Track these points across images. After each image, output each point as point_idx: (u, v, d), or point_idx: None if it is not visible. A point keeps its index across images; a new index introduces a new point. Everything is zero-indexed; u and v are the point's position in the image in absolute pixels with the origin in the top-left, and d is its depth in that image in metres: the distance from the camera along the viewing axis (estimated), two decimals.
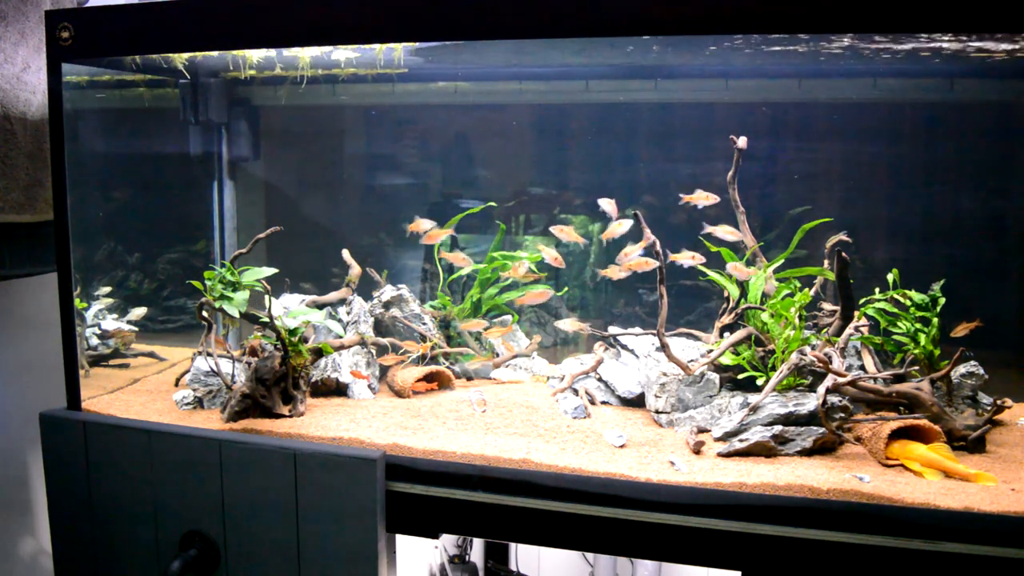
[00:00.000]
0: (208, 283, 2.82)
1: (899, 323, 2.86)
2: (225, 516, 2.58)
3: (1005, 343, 3.00)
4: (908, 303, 2.86)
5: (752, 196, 3.03)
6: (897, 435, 2.46)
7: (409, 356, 3.15)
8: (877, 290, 2.92)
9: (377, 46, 2.99)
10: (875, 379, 2.67)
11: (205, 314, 2.95)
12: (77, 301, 2.92)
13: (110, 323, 3.41)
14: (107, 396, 3.06)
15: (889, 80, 3.24)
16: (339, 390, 3.06)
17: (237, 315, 2.75)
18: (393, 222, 3.88)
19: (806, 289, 2.82)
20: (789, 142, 3.34)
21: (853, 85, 3.29)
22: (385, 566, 2.47)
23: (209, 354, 3.00)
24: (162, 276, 3.76)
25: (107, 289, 3.45)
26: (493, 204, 3.45)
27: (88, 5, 3.49)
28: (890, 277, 2.91)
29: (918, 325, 2.83)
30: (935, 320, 2.83)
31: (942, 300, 2.84)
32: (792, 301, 2.75)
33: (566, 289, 3.52)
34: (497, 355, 3.31)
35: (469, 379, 3.28)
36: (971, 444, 2.52)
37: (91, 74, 3.18)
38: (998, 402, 2.66)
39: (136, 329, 3.46)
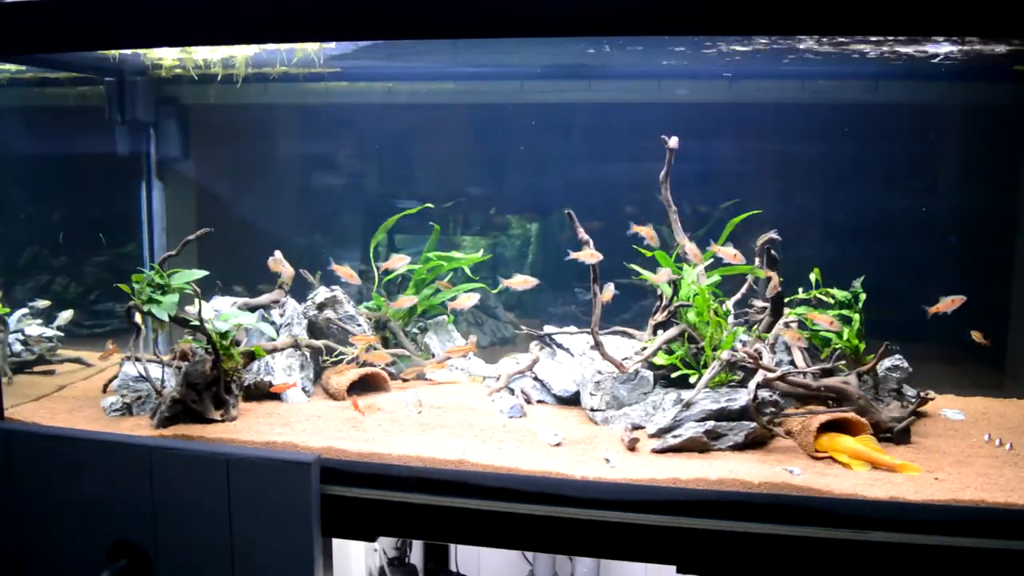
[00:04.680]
0: (136, 286, 2.76)
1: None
2: (156, 525, 2.52)
3: (928, 337, 3.09)
4: (831, 301, 2.92)
5: (685, 195, 3.06)
6: (826, 428, 2.51)
7: (348, 356, 3.12)
8: (800, 290, 2.98)
9: (310, 45, 2.96)
10: (804, 374, 2.73)
11: (138, 320, 2.88)
12: None
13: (34, 329, 3.31)
14: (31, 404, 2.97)
15: (819, 82, 3.32)
16: (273, 394, 3.02)
17: (166, 318, 2.70)
18: (327, 222, 3.84)
19: (714, 278, 2.86)
20: (723, 142, 3.40)
21: (784, 86, 3.37)
22: (321, 570, 2.44)
23: (138, 359, 2.93)
24: (89, 280, 3.67)
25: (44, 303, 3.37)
26: (430, 205, 3.44)
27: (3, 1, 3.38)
28: (812, 277, 2.97)
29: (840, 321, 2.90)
30: (857, 316, 2.90)
31: (863, 296, 2.91)
32: (709, 299, 2.79)
33: (502, 287, 3.51)
34: (433, 356, 3.30)
35: (404, 380, 3.25)
36: (896, 436, 2.59)
37: (12, 72, 3.09)
38: (922, 394, 2.73)
39: (59, 333, 3.37)
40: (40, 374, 3.31)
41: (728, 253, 2.76)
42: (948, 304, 2.70)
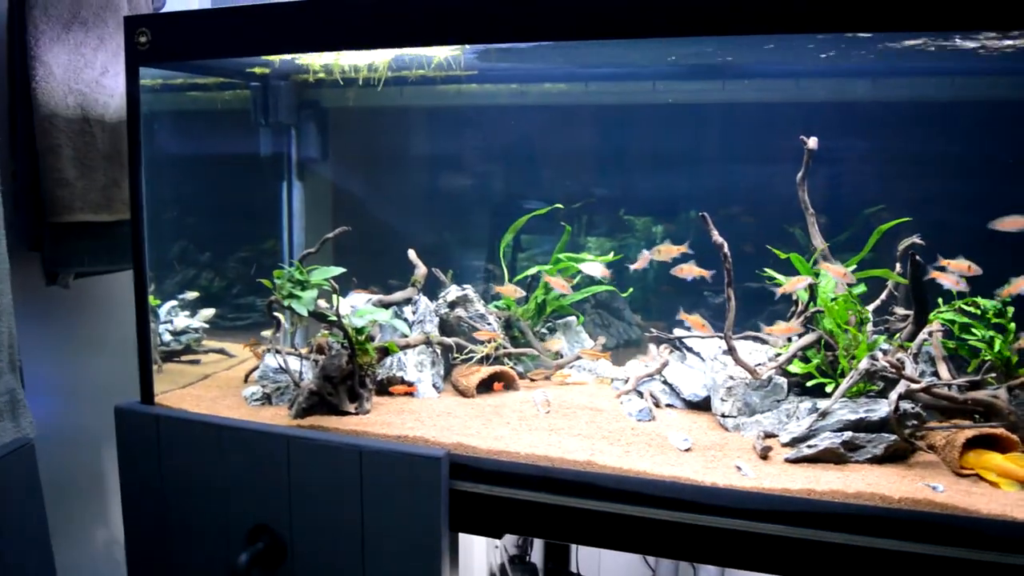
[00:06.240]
0: (277, 281, 2.88)
1: (973, 329, 2.78)
2: (292, 511, 2.62)
3: None
4: (978, 312, 2.77)
5: (821, 197, 2.97)
6: (972, 444, 2.39)
7: (478, 354, 3.16)
8: (941, 300, 2.84)
9: (450, 48, 3.01)
10: (950, 386, 2.60)
11: (278, 314, 3.00)
12: (151, 298, 2.99)
13: (182, 320, 3.49)
14: (179, 391, 3.14)
15: (967, 78, 3.16)
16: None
17: (305, 313, 2.80)
18: (456, 222, 3.90)
19: (851, 289, 2.76)
20: (860, 141, 3.28)
21: (930, 83, 3.22)
22: (448, 564, 2.49)
23: (278, 351, 3.05)
24: (232, 275, 3.83)
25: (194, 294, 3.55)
26: (560, 206, 3.44)
27: (164, 11, 3.58)
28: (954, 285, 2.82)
29: (992, 332, 2.75)
30: (1011, 326, 2.74)
31: (1010, 308, 2.75)
32: (846, 305, 2.69)
33: (631, 290, 3.49)
34: (561, 356, 3.31)
35: (532, 380, 3.27)
36: None
37: (164, 77, 3.25)
38: None
39: (204, 325, 3.54)
40: (187, 363, 3.48)
41: (963, 266, 2.63)
42: None
